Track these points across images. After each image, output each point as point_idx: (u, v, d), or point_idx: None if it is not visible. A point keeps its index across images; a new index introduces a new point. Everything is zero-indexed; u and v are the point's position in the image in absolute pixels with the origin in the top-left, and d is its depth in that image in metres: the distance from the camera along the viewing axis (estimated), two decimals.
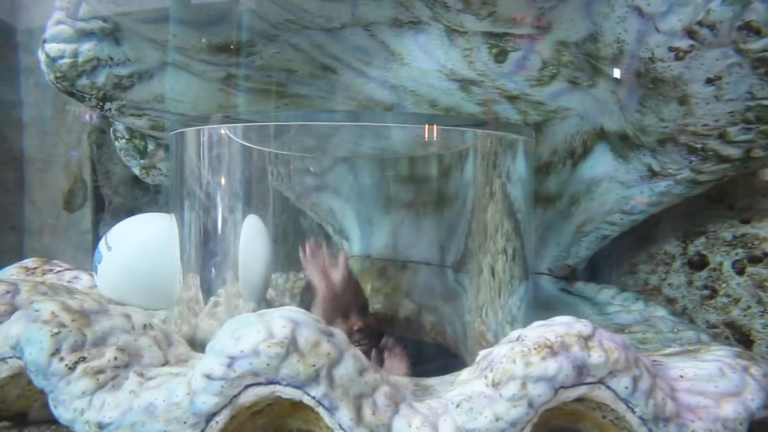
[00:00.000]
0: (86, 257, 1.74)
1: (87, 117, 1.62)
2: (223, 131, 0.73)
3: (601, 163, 0.95)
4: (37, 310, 0.61)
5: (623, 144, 0.89)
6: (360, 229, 0.97)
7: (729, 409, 0.57)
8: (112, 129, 1.20)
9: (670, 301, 1.05)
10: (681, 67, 0.68)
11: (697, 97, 0.71)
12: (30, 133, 1.82)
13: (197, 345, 0.72)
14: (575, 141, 0.98)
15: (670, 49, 0.67)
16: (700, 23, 0.64)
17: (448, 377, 0.63)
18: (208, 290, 0.77)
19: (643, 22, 0.68)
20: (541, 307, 0.92)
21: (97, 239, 1.75)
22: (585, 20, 0.74)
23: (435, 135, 0.75)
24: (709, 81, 0.69)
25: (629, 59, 0.72)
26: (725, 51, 0.66)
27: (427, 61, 0.87)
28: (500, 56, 0.81)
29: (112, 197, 1.69)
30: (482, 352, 0.61)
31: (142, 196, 1.65)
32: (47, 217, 1.82)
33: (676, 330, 0.88)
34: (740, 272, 0.97)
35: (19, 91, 1.81)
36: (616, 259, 1.13)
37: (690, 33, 0.65)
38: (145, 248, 0.89)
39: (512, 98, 0.93)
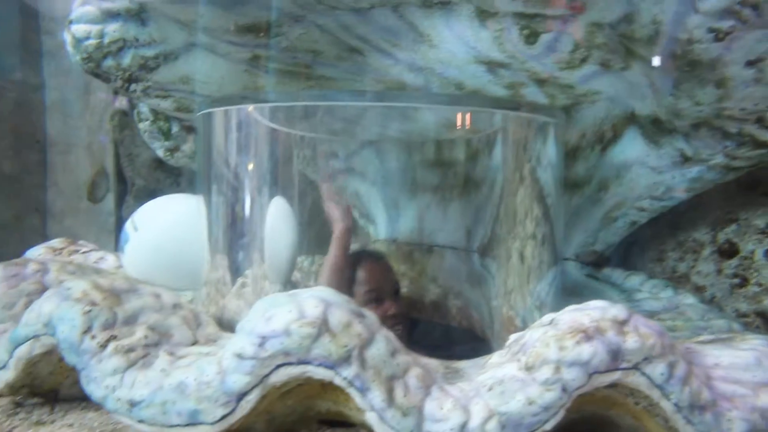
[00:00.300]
0: (109, 239, 1.76)
1: (116, 103, 1.63)
2: (250, 111, 0.73)
3: (631, 147, 0.93)
4: (68, 289, 0.62)
5: (655, 128, 0.88)
6: (386, 213, 0.96)
7: (767, 399, 0.56)
8: (136, 111, 1.20)
9: (698, 289, 1.03)
10: (720, 48, 0.67)
11: (735, 79, 0.69)
12: (52, 116, 1.83)
13: (225, 325, 0.72)
14: (605, 125, 0.96)
15: (710, 30, 0.66)
16: (742, 3, 0.63)
17: (478, 360, 0.62)
18: (235, 271, 0.77)
19: (682, 2, 0.67)
20: (568, 293, 0.91)
21: (119, 221, 1.77)
22: (621, 1, 0.72)
23: (466, 118, 0.74)
24: (750, 63, 0.67)
25: (665, 41, 0.70)
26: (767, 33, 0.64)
27: (456, 43, 0.85)
28: (531, 38, 0.80)
29: (134, 180, 1.70)
30: (513, 336, 0.60)
31: (165, 179, 1.66)
32: (70, 199, 1.84)
33: (706, 318, 0.87)
34: None
35: (42, 74, 1.82)
36: (644, 246, 1.12)
37: (732, 13, 0.63)
38: (172, 229, 0.89)
39: (540, 81, 0.92)
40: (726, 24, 0.65)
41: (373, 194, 0.96)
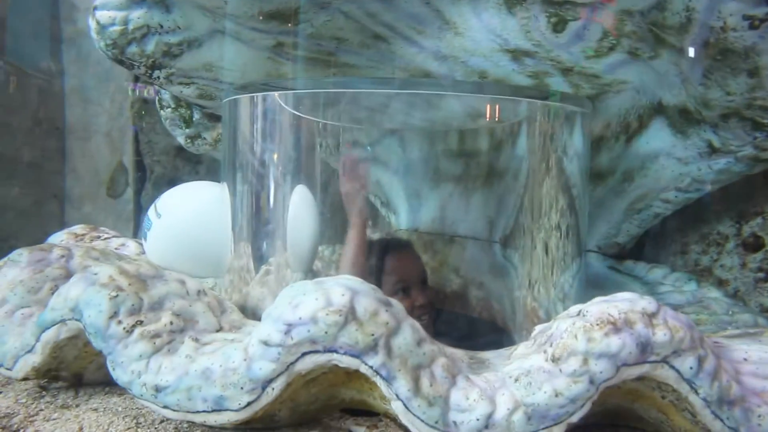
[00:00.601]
0: (126, 226, 1.77)
1: (137, 90, 1.63)
2: (276, 98, 0.73)
3: (657, 138, 0.91)
4: (95, 274, 0.62)
5: (683, 119, 0.86)
6: (408, 202, 0.96)
7: None
8: (157, 98, 1.21)
9: (721, 283, 1.02)
10: (755, 36, 0.65)
11: None
12: (72, 103, 1.84)
13: (248, 313, 0.73)
14: (630, 115, 0.95)
15: (745, 17, 0.64)
16: None
17: (503, 351, 0.62)
18: (259, 259, 0.77)
19: None
20: (590, 286, 0.90)
21: (138, 209, 1.78)
22: None
23: (491, 106, 0.73)
24: None
25: (698, 28, 0.69)
26: None
27: (482, 31, 0.85)
28: (559, 26, 0.79)
29: (153, 167, 1.71)
30: (538, 327, 0.59)
31: (184, 167, 1.67)
32: (89, 186, 1.85)
33: (731, 312, 0.86)
34: None
35: (61, 61, 1.83)
36: (666, 239, 1.10)
37: None
38: (195, 216, 0.89)
39: (565, 70, 0.90)
40: (762, 11, 0.63)
41: (395, 183, 0.95)
